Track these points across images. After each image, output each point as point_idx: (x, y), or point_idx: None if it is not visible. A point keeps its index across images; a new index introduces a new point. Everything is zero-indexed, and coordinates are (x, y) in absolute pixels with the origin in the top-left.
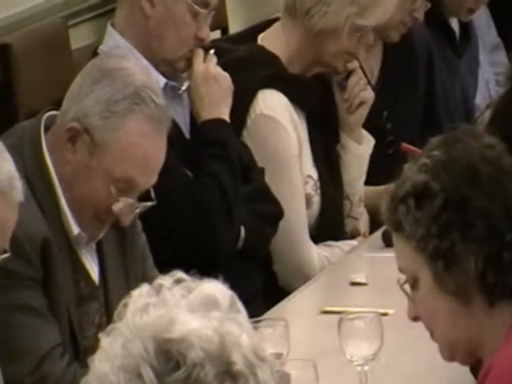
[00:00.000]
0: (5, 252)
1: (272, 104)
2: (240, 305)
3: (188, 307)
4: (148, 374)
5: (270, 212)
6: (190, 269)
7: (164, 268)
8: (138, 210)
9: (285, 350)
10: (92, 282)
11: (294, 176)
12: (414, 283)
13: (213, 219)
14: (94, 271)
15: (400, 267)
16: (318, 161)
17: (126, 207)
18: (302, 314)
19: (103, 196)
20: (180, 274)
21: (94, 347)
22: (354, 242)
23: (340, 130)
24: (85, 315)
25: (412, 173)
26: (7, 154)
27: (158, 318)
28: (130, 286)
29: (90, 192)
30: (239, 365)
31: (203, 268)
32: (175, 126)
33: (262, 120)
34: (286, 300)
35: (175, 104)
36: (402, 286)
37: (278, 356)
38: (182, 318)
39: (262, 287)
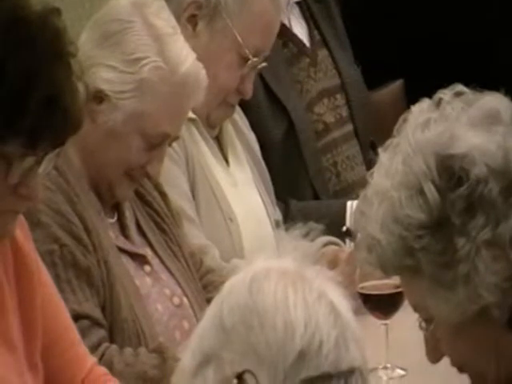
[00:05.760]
0: None
1: None
2: None
3: (469, 121)
4: (430, 190)
5: None
6: None
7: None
8: None
9: None
10: None
11: None
12: None
13: None
14: None
15: None
16: None
17: None
18: None
19: None
20: (460, 86)
21: None
22: None
23: None
24: None
25: None
26: None
27: (439, 133)
28: None
29: None
30: None
31: None
32: None
33: None
34: None
35: None
36: None
37: None
38: (464, 134)
39: None
